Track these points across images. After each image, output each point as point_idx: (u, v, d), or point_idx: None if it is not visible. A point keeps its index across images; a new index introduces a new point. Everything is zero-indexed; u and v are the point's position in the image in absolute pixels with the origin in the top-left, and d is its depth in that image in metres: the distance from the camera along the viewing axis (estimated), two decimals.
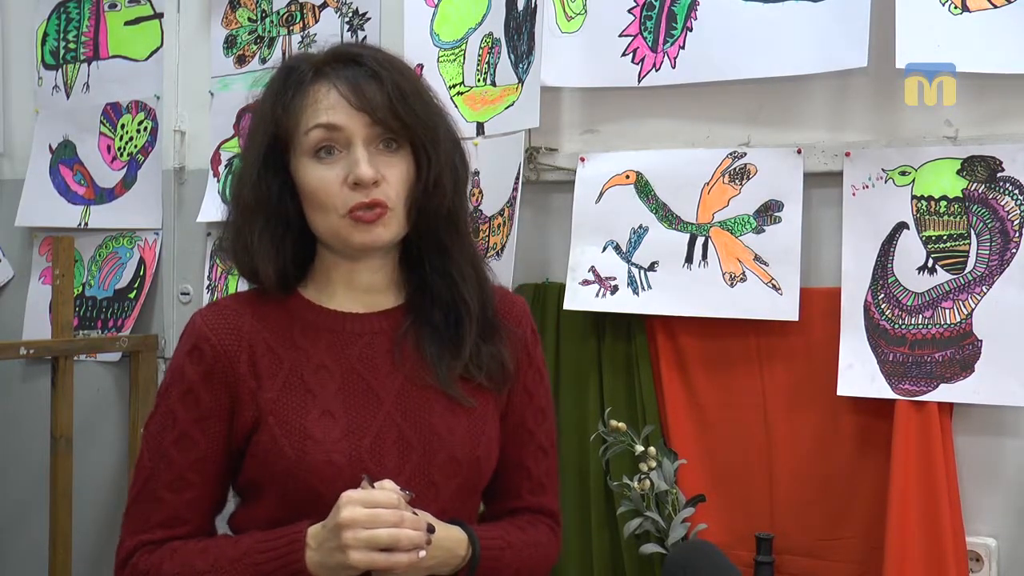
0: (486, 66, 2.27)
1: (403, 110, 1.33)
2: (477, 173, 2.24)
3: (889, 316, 1.89)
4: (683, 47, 2.04)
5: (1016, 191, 1.81)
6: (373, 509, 1.21)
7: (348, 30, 2.48)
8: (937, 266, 1.86)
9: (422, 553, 1.23)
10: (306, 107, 1.34)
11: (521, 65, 2.19)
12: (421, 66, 2.28)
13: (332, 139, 1.32)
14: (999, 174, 1.82)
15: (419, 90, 1.38)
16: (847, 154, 1.94)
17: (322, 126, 1.32)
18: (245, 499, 1.41)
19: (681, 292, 2.03)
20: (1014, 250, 1.81)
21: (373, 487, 1.24)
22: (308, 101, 1.34)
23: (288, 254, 1.38)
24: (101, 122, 2.85)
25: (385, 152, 1.34)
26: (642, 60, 2.08)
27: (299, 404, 1.33)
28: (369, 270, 1.40)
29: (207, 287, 2.69)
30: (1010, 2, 1.78)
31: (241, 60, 2.64)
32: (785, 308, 1.95)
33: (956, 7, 1.80)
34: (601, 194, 2.13)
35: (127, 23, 2.83)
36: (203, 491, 1.37)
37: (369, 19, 2.46)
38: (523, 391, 1.45)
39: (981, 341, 1.82)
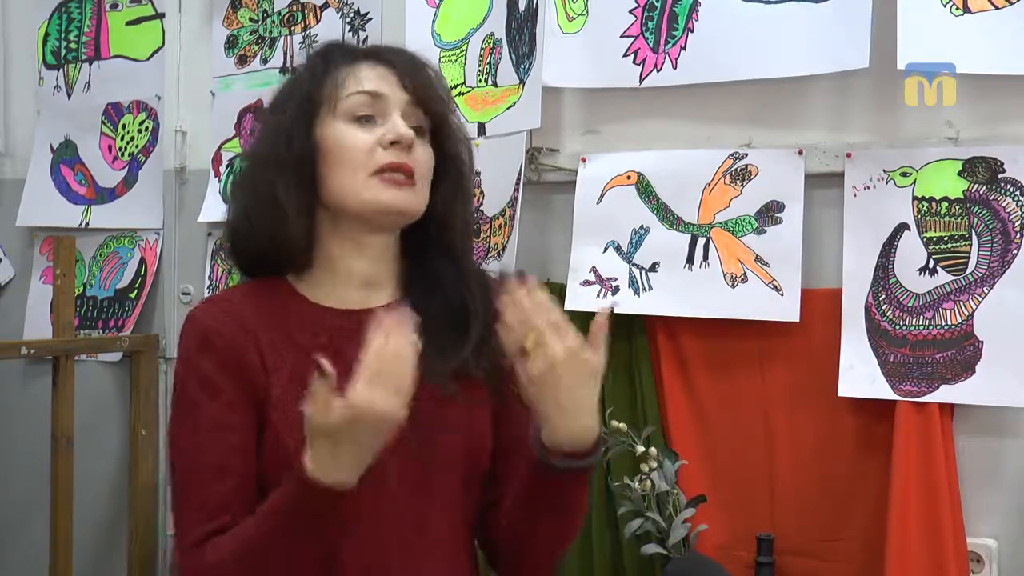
0: (487, 67, 2.27)
1: (444, 102, 1.38)
2: (478, 174, 2.24)
3: (890, 317, 1.89)
4: (684, 48, 2.05)
5: (1017, 192, 1.81)
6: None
7: (350, 30, 2.48)
8: (938, 267, 1.86)
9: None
10: (350, 76, 1.36)
11: (522, 66, 2.19)
12: None
13: (372, 107, 1.34)
14: (1000, 175, 1.82)
15: (453, 99, 1.44)
16: (848, 155, 1.94)
17: (366, 92, 1.34)
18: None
19: (682, 293, 2.03)
20: (1015, 251, 1.81)
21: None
22: (353, 70, 1.37)
23: (294, 223, 1.35)
24: (102, 122, 2.85)
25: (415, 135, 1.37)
26: (643, 61, 2.08)
27: (301, 402, 1.33)
28: (371, 258, 1.39)
29: (208, 287, 2.69)
30: (1012, 3, 1.78)
31: (242, 60, 2.64)
32: (786, 309, 1.95)
33: (957, 8, 1.80)
34: (602, 195, 2.13)
35: (128, 23, 2.83)
36: (243, 478, 1.31)
37: (371, 19, 2.47)
38: (511, 369, 1.39)
39: (982, 342, 1.82)
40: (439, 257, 1.40)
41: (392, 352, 1.16)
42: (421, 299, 1.39)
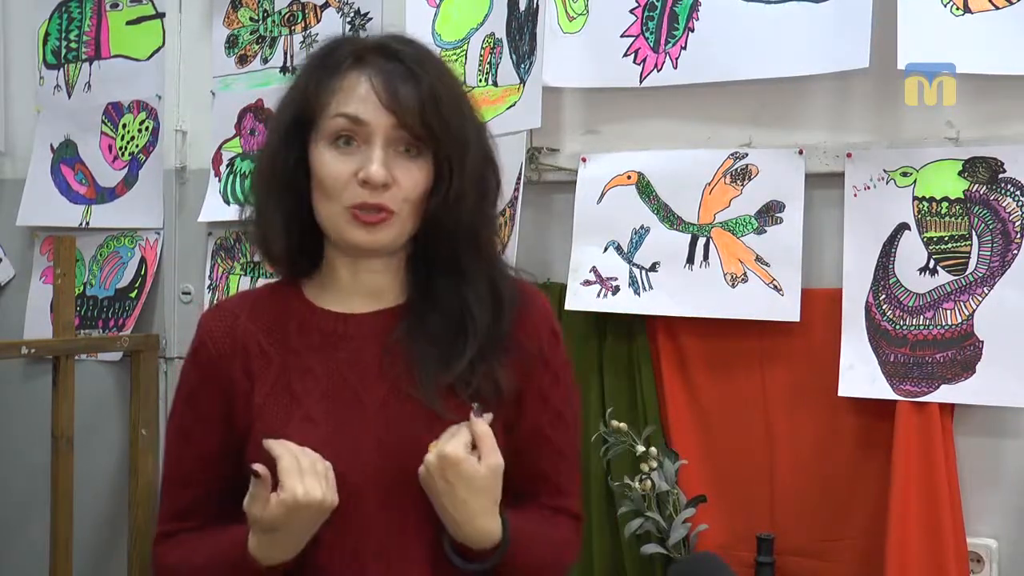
0: (488, 66, 2.28)
1: (433, 118, 1.29)
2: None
3: (890, 317, 1.89)
4: (685, 48, 2.05)
5: (1017, 192, 1.81)
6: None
7: (350, 30, 2.48)
8: (938, 267, 1.86)
9: None
10: (336, 92, 1.31)
11: (523, 65, 2.19)
12: None
13: (353, 131, 1.30)
14: (1000, 175, 1.82)
15: (456, 98, 1.34)
16: (848, 155, 1.94)
17: (347, 116, 1.30)
18: None
19: (682, 293, 2.03)
20: (1015, 251, 1.81)
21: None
22: (340, 86, 1.31)
23: (297, 233, 1.36)
24: (102, 121, 2.86)
25: (404, 156, 1.31)
26: (644, 60, 2.09)
27: (283, 410, 1.32)
28: (372, 270, 1.37)
29: (208, 287, 2.69)
30: (1012, 3, 1.78)
31: (243, 60, 2.65)
32: (786, 309, 1.95)
33: (958, 8, 1.80)
34: (602, 194, 2.13)
35: (128, 23, 2.83)
36: (207, 490, 1.38)
37: (371, 19, 2.47)
38: (537, 396, 1.38)
39: (982, 342, 1.82)
40: (440, 266, 1.36)
41: (308, 456, 1.25)
42: (420, 308, 1.37)
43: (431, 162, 1.32)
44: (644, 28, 2.09)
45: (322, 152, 1.32)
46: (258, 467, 1.22)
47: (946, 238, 1.86)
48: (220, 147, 2.68)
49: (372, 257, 1.36)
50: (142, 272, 2.77)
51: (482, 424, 1.27)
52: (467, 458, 1.25)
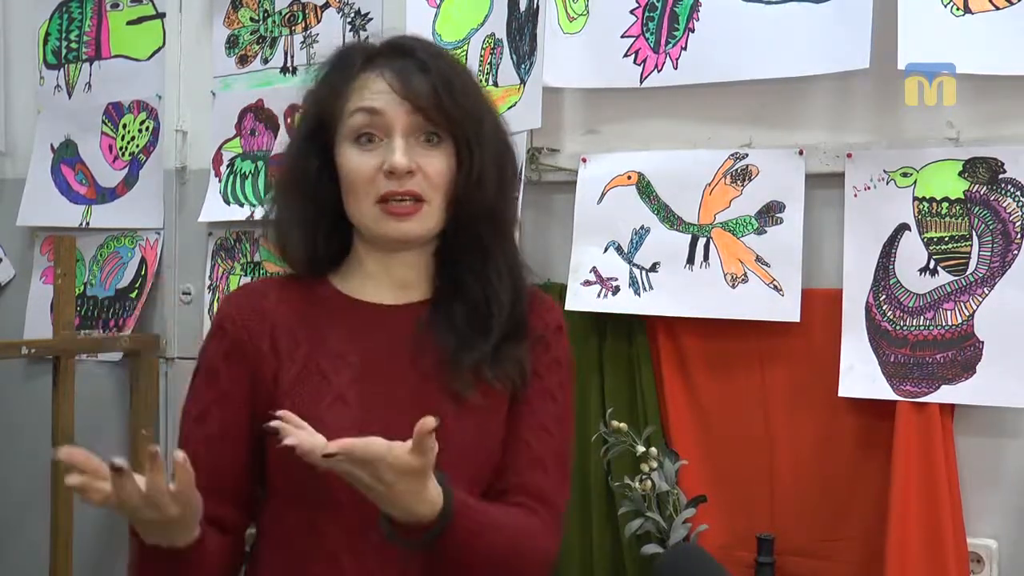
0: (488, 67, 2.28)
1: (448, 102, 1.33)
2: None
3: (890, 317, 1.89)
4: (685, 48, 2.05)
5: (1018, 192, 1.81)
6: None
7: (350, 30, 2.48)
8: (939, 267, 1.86)
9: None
10: (352, 91, 1.35)
11: (523, 66, 2.19)
12: None
13: (373, 125, 1.33)
14: (1001, 176, 1.83)
15: (468, 84, 1.38)
16: (849, 155, 1.94)
17: (364, 110, 1.33)
18: (265, 489, 1.40)
19: (682, 293, 2.03)
20: (1015, 252, 1.81)
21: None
22: (355, 86, 1.35)
23: (319, 238, 1.38)
24: (103, 121, 2.85)
25: (426, 145, 1.34)
26: (644, 61, 2.09)
27: (314, 390, 1.33)
28: (403, 264, 1.39)
29: (208, 287, 2.69)
30: (1012, 3, 1.78)
31: (243, 60, 2.65)
32: (786, 309, 1.95)
33: (958, 8, 1.80)
34: (603, 195, 2.13)
35: (129, 23, 2.83)
36: (213, 471, 1.33)
37: (371, 19, 2.47)
38: (533, 375, 1.39)
39: (982, 342, 1.82)
40: (466, 254, 1.39)
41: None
42: (447, 298, 1.39)
43: (453, 149, 1.35)
44: (644, 28, 2.09)
45: (346, 152, 1.35)
46: (118, 461, 1.20)
47: (946, 238, 1.86)
48: (220, 147, 2.67)
49: (404, 250, 1.38)
50: (142, 272, 2.77)
51: (430, 423, 1.16)
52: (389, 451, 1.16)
